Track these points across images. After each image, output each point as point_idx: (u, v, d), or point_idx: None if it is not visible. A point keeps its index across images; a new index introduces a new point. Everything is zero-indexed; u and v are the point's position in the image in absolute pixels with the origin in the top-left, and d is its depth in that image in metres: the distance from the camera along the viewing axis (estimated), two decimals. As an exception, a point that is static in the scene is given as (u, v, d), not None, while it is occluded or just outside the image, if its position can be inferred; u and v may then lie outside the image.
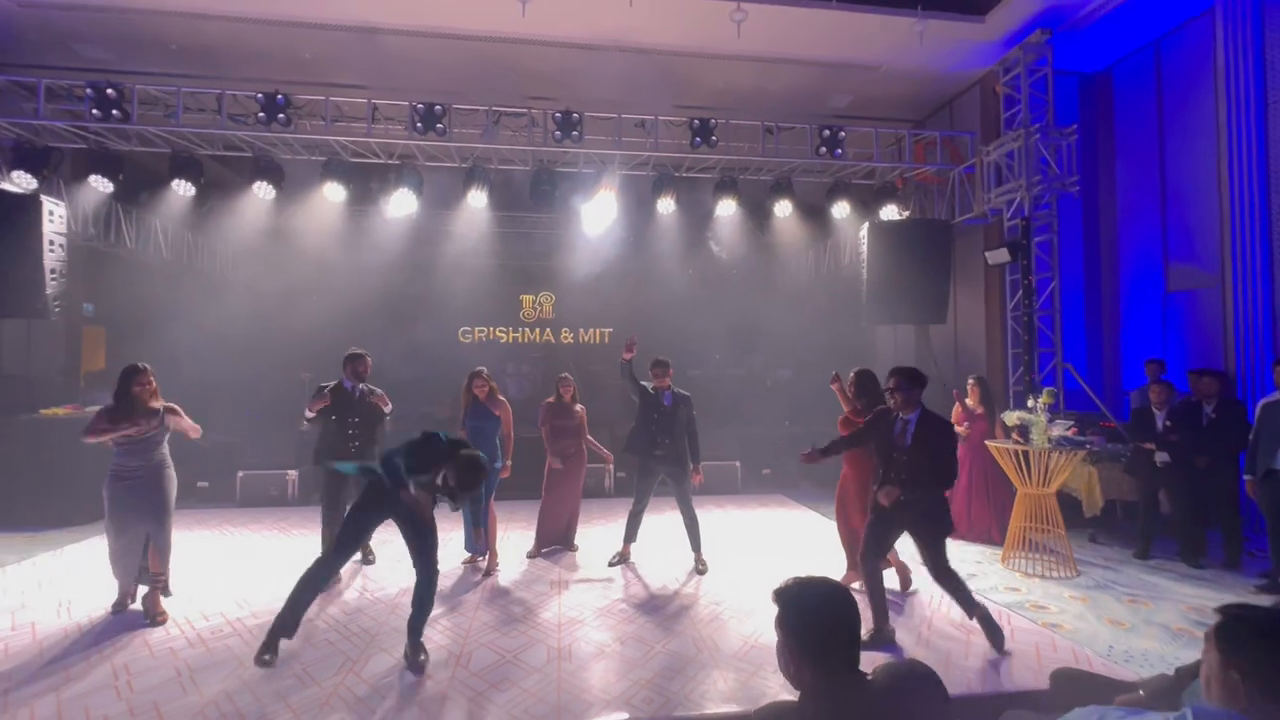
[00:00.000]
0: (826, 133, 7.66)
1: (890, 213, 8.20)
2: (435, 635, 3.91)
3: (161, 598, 4.19)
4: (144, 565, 4.19)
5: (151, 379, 4.15)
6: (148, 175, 8.20)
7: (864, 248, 8.11)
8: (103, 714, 3.01)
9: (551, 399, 5.68)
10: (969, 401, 6.21)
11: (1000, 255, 7.11)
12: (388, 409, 5.15)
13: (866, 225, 8.08)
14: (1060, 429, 5.22)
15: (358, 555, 5.37)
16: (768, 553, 5.77)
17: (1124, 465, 5.83)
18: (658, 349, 11.65)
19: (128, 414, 4.03)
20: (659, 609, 4.37)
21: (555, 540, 5.75)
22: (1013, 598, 4.57)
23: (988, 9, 6.96)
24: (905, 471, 3.62)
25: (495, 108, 7.41)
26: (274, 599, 4.50)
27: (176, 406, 4.26)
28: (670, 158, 7.97)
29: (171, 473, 4.22)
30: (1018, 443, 5.30)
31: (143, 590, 4.24)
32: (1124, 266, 7.91)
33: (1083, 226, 8.25)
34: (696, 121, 7.39)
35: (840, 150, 7.72)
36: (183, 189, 7.37)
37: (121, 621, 4.10)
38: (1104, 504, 5.99)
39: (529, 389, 11.82)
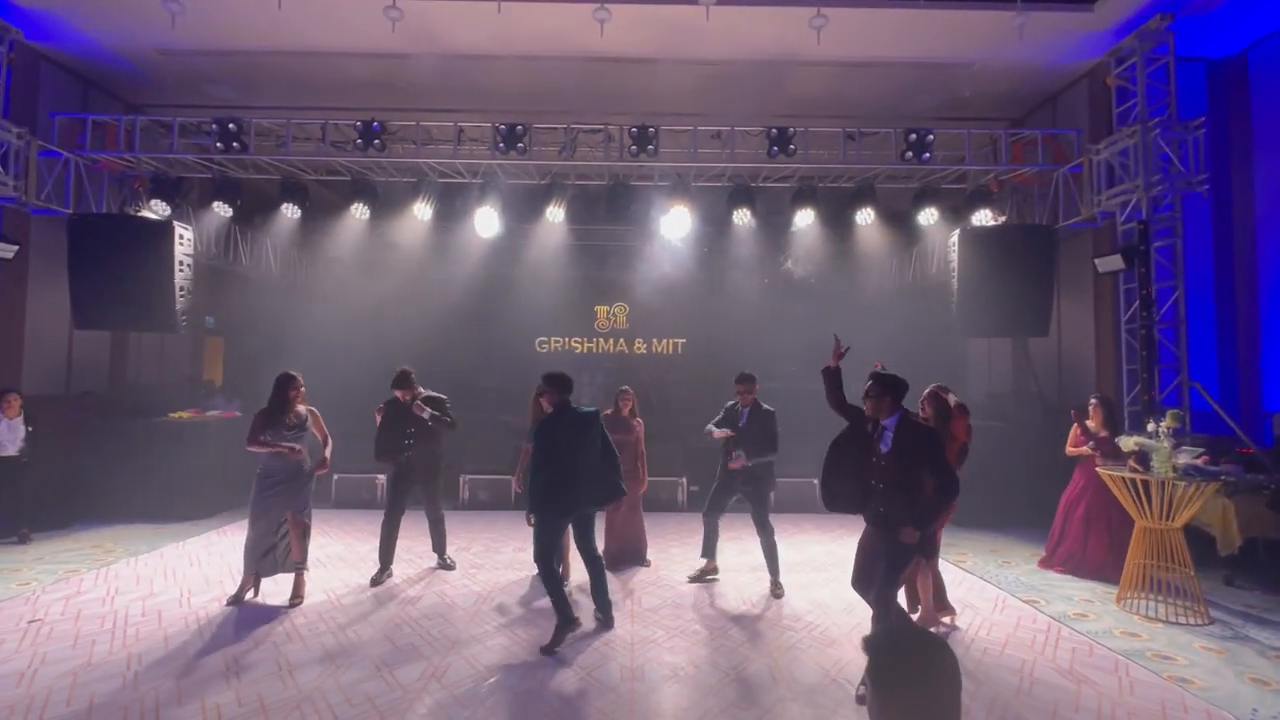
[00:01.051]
0: (913, 136, 7.30)
1: (984, 218, 7.69)
2: (512, 646, 3.98)
3: (306, 583, 4.82)
4: (286, 551, 4.77)
5: (302, 386, 4.72)
6: (261, 199, 8.97)
7: (954, 255, 7.64)
8: (214, 702, 3.26)
9: (609, 411, 5.60)
10: (1091, 424, 5.64)
11: (1113, 262, 6.49)
12: (425, 415, 5.23)
13: (957, 232, 7.61)
14: (1188, 456, 4.67)
15: (436, 559, 5.63)
16: (848, 577, 5.48)
17: (1267, 498, 5.14)
18: (732, 360, 11.46)
19: (280, 417, 4.59)
20: (734, 633, 4.25)
21: (621, 555, 5.72)
22: (1130, 645, 4.11)
23: (1097, -4, 6.41)
24: (883, 479, 3.40)
25: (573, 125, 7.58)
26: (368, 601, 4.76)
27: (318, 412, 4.81)
28: (747, 168, 7.86)
29: (309, 471, 4.77)
30: (1135, 470, 4.79)
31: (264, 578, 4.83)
32: (1264, 273, 7.01)
33: (1213, 229, 7.39)
34: (774, 130, 7.24)
35: (928, 154, 7.34)
36: (290, 211, 8.04)
37: (234, 613, 4.45)
38: (1242, 542, 5.29)
39: (602, 399, 11.95)
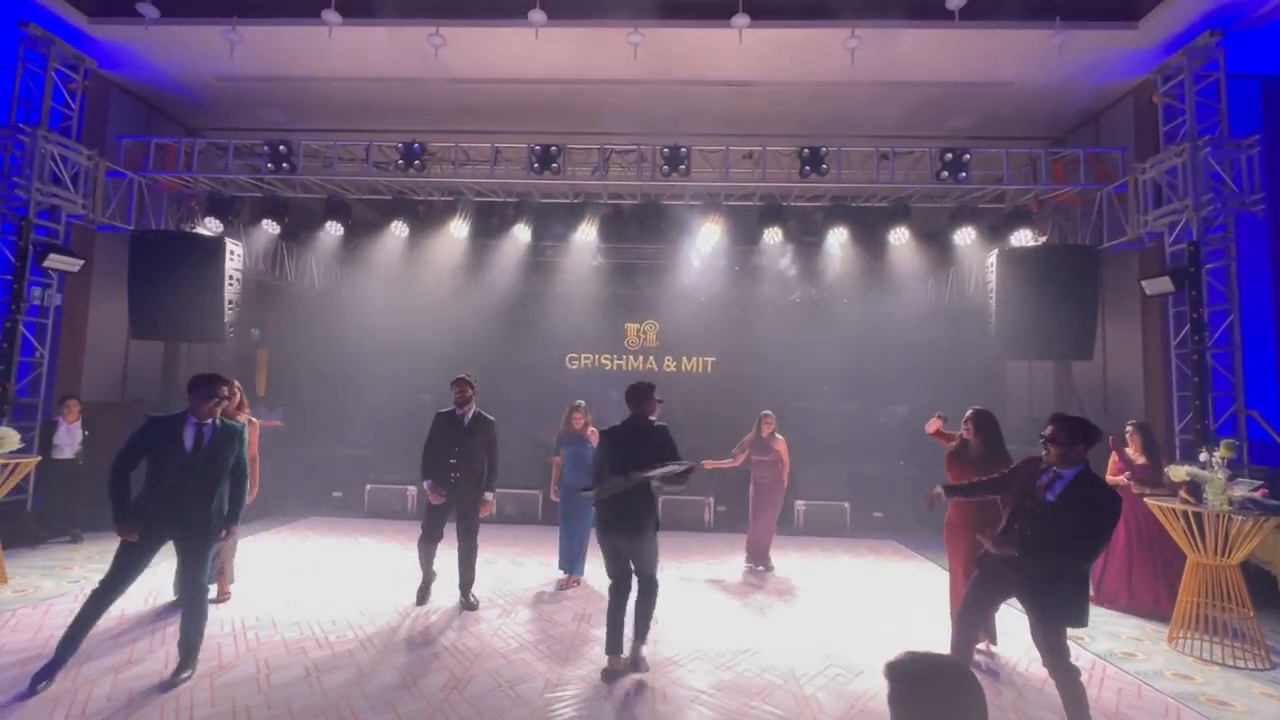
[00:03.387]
0: (949, 155, 7.22)
1: (1023, 238, 7.52)
2: (535, 661, 3.97)
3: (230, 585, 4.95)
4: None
5: (238, 392, 4.80)
6: (307, 217, 9.35)
7: (992, 276, 7.48)
8: (245, 704, 3.33)
9: (751, 434, 6.34)
10: (1129, 451, 5.42)
11: (1161, 284, 6.25)
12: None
13: (995, 252, 7.46)
14: (1244, 489, 4.42)
15: (458, 595, 5.10)
16: (878, 604, 5.33)
17: (1334, 537, 4.82)
18: (762, 379, 11.30)
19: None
20: (759, 656, 4.16)
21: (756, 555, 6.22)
22: (1183, 688, 3.88)
23: (1142, 14, 6.28)
24: (1035, 529, 3.02)
25: (606, 145, 7.72)
26: (394, 610, 4.82)
27: (256, 423, 4.97)
28: (779, 187, 7.87)
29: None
30: (1186, 501, 4.56)
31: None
32: (1328, 297, 6.67)
33: (1270, 250, 7.08)
34: (806, 150, 7.24)
35: (965, 173, 7.24)
36: (334, 229, 8.36)
37: (263, 616, 4.56)
38: (1307, 582, 4.97)
39: (631, 416, 11.94)
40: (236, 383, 4.88)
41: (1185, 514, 4.46)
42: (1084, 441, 3.09)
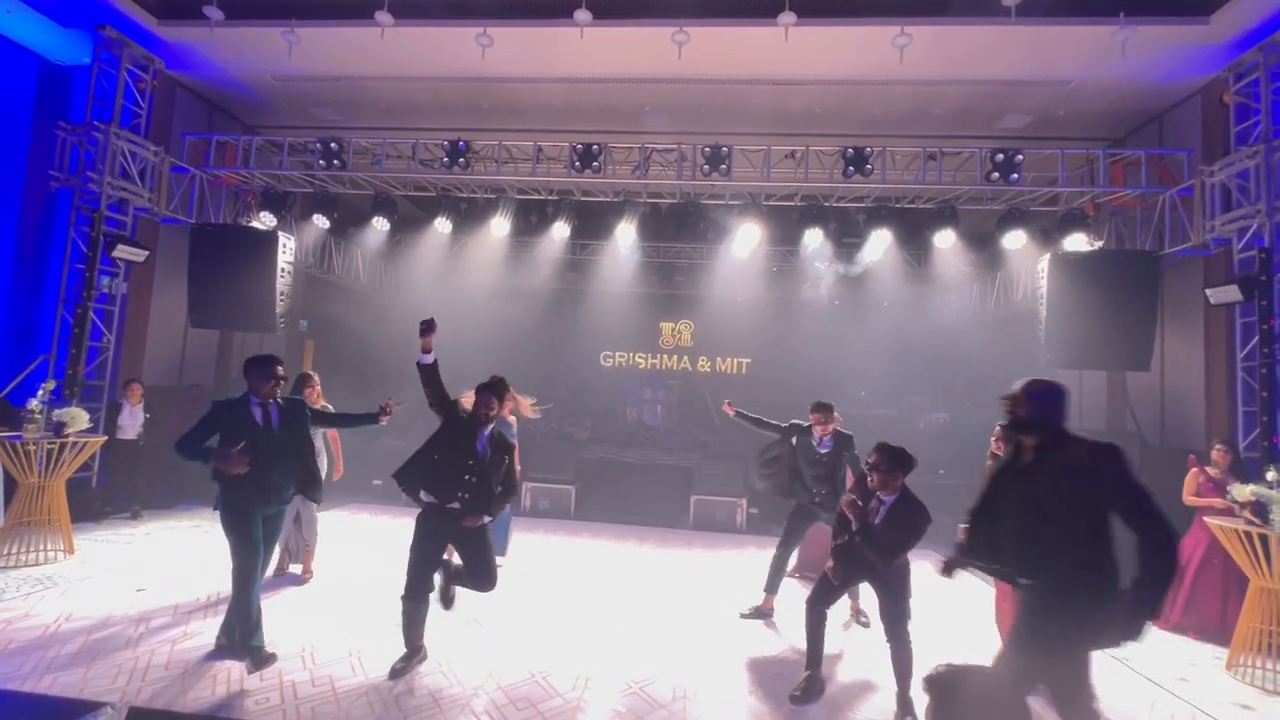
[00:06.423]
0: (1000, 156, 6.99)
1: (1077, 242, 7.24)
2: (561, 653, 4.02)
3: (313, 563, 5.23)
4: (299, 538, 5.18)
5: (317, 385, 5.19)
6: (354, 213, 9.63)
7: (1043, 281, 7.22)
8: (291, 680, 3.47)
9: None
10: (1213, 472, 5.14)
11: (1228, 293, 5.94)
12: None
13: (1047, 257, 7.20)
14: (1316, 511, 4.17)
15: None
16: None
17: None
18: (797, 382, 11.15)
19: None
20: (788, 673, 4.12)
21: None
22: (1242, 717, 3.69)
23: (1213, 9, 5.97)
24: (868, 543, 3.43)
25: (647, 144, 7.73)
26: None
27: (332, 411, 5.08)
28: (821, 188, 7.75)
29: (323, 461, 5.14)
30: (1251, 522, 4.33)
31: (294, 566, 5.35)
32: None
33: (1350, 259, 6.64)
34: (850, 150, 7.12)
35: (1016, 175, 7.00)
36: (380, 224, 8.59)
37: (309, 596, 4.73)
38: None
39: (663, 416, 11.97)
40: (316, 375, 5.26)
41: (1250, 536, 4.23)
42: (901, 468, 3.39)
